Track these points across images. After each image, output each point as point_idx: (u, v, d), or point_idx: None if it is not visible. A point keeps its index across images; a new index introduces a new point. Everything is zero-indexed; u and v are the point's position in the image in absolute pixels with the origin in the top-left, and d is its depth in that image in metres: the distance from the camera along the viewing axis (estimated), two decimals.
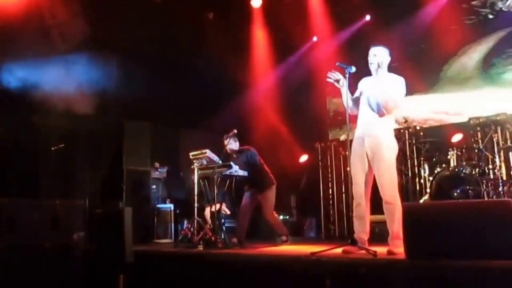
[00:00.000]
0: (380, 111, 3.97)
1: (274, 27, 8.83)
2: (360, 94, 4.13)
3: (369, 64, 4.05)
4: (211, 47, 8.12)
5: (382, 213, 3.99)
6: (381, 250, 3.69)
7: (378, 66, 4.00)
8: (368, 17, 8.38)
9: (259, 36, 9.21)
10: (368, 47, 4.16)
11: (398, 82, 4.00)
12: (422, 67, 7.66)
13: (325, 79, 4.10)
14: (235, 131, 5.90)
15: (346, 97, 4.04)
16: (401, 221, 3.76)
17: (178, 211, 7.28)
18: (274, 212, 5.92)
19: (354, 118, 4.19)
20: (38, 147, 6.38)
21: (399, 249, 3.64)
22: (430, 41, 7.70)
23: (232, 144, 5.92)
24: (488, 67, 7.10)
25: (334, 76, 3.99)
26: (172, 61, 8.55)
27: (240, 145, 6.04)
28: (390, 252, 3.62)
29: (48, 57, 5.72)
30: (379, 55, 4.03)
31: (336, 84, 4.03)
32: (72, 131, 6.27)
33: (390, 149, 3.96)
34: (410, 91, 7.64)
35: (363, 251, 3.62)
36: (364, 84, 4.16)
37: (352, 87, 4.15)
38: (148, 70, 7.71)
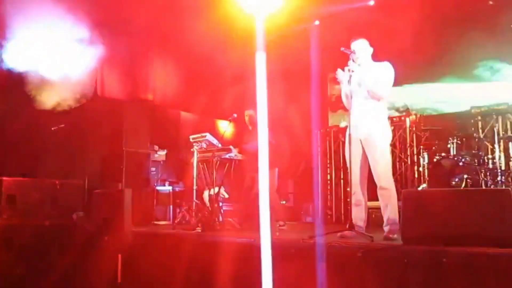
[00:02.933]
0: (371, 98, 4.00)
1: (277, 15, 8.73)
2: (350, 86, 4.14)
3: (354, 58, 4.07)
4: (213, 32, 8.05)
5: (378, 199, 4.01)
6: (378, 235, 3.72)
7: (363, 58, 4.07)
8: (372, 2, 8.29)
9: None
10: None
11: (385, 68, 4.04)
12: (424, 55, 7.61)
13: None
14: (235, 115, 5.89)
15: (346, 92, 4.11)
16: (397, 207, 3.82)
17: (176, 193, 7.31)
18: (277, 196, 5.89)
19: None
20: (39, 127, 6.36)
21: (395, 235, 3.69)
22: (432, 29, 7.63)
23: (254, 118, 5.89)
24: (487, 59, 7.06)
25: (340, 75, 4.08)
26: (175, 44, 8.50)
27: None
28: (386, 238, 3.66)
29: (50, 36, 5.66)
30: (361, 48, 4.08)
31: (342, 82, 4.10)
32: (73, 112, 6.24)
33: (383, 136, 3.98)
34: (412, 79, 7.73)
35: (360, 236, 3.66)
36: (354, 75, 4.16)
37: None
38: (152, 53, 7.67)
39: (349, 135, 3.89)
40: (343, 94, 4.16)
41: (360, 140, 3.97)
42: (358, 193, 3.99)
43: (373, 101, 4.00)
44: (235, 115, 5.88)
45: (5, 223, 4.28)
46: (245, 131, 6.06)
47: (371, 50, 4.15)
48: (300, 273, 3.32)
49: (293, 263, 3.38)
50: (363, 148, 3.99)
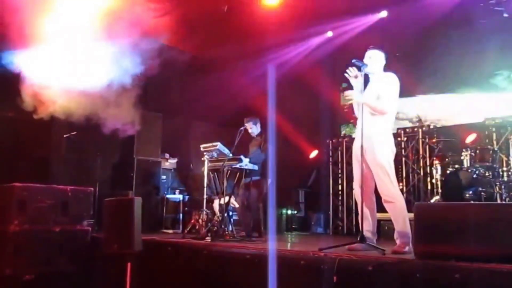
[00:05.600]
0: (374, 112, 3.96)
1: (288, 20, 8.74)
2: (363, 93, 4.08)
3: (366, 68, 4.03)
4: (226, 39, 8.10)
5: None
6: (390, 248, 3.66)
7: (372, 69, 4.02)
8: (385, 13, 8.27)
9: (274, 28, 9.11)
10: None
11: (391, 81, 3.98)
12: (437, 66, 7.55)
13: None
14: (245, 127, 5.89)
15: (358, 95, 4.02)
16: (407, 219, 3.76)
17: (187, 202, 7.31)
18: (261, 207, 5.74)
19: None
20: (51, 133, 6.43)
21: (406, 248, 3.62)
22: (444, 40, 7.57)
23: (253, 128, 5.93)
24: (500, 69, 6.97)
25: (352, 72, 3.99)
26: (186, 53, 8.55)
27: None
28: (394, 252, 3.59)
29: (65, 44, 5.73)
30: (374, 58, 4.04)
31: (352, 80, 4.02)
32: (85, 119, 6.30)
33: (385, 150, 3.91)
34: (425, 90, 7.66)
35: (372, 249, 3.60)
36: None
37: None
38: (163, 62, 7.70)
39: (361, 146, 3.85)
40: (354, 102, 4.10)
41: (365, 153, 3.91)
42: (365, 205, 3.92)
43: (374, 113, 3.96)
44: (249, 130, 5.91)
45: (15, 228, 4.30)
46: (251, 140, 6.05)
47: (383, 63, 4.10)
48: (309, 285, 3.28)
49: (302, 275, 3.34)
50: (367, 160, 3.94)
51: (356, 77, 3.99)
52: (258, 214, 5.73)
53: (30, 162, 6.10)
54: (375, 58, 4.06)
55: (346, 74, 4.03)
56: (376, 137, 3.91)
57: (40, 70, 5.44)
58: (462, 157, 5.83)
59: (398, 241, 3.74)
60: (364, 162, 3.88)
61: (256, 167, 5.57)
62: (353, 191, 3.89)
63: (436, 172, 6.25)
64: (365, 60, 4.05)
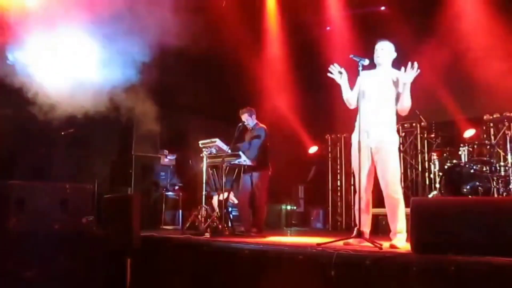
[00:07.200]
0: (384, 103, 3.93)
1: (288, 13, 8.73)
2: (361, 87, 4.03)
3: (376, 58, 4.03)
4: (224, 34, 8.09)
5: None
6: (386, 243, 3.69)
7: (383, 59, 4.01)
8: (383, 8, 8.25)
9: (272, 23, 9.12)
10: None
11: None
12: (436, 60, 7.53)
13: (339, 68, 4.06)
14: (244, 123, 5.88)
15: (346, 91, 4.06)
16: (404, 215, 3.77)
17: (186, 198, 7.33)
18: (263, 199, 5.67)
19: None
20: (50, 131, 6.43)
21: (402, 244, 3.65)
22: (443, 34, 7.55)
23: (248, 120, 5.86)
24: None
25: (334, 69, 3.99)
26: (184, 49, 8.54)
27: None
28: (392, 247, 3.61)
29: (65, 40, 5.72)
30: (386, 50, 4.03)
31: (337, 78, 4.02)
32: (83, 116, 6.31)
33: (394, 143, 3.94)
34: (424, 84, 7.62)
35: (368, 244, 3.62)
36: (367, 77, 4.05)
37: (350, 81, 4.15)
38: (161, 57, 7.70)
39: (359, 141, 3.84)
40: (348, 92, 4.07)
41: (371, 147, 3.92)
42: (365, 199, 3.94)
43: (387, 106, 3.94)
44: (244, 123, 5.88)
45: (14, 226, 4.32)
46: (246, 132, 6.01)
47: (394, 55, 4.08)
48: (307, 280, 3.30)
49: (300, 270, 3.36)
50: (372, 155, 3.94)
51: (340, 73, 3.99)
52: (263, 210, 5.73)
53: (29, 159, 6.11)
54: (387, 50, 4.03)
55: (329, 74, 4.02)
56: (388, 131, 3.92)
57: (39, 66, 5.44)
58: (460, 152, 5.85)
59: (395, 237, 3.76)
60: (367, 156, 3.89)
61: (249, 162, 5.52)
62: (359, 184, 3.87)
63: (434, 167, 6.27)
64: (377, 52, 4.03)
